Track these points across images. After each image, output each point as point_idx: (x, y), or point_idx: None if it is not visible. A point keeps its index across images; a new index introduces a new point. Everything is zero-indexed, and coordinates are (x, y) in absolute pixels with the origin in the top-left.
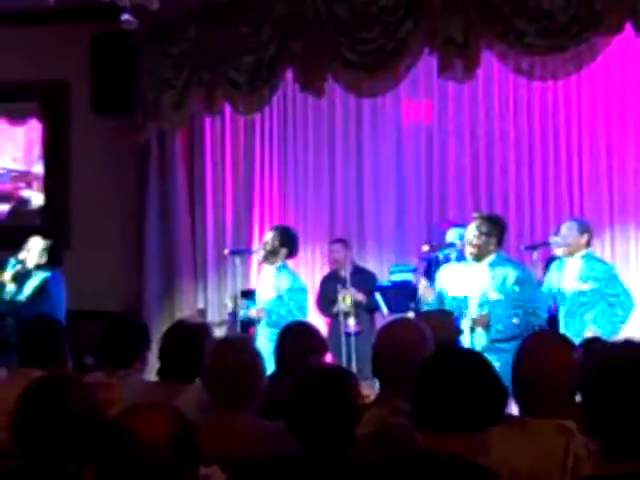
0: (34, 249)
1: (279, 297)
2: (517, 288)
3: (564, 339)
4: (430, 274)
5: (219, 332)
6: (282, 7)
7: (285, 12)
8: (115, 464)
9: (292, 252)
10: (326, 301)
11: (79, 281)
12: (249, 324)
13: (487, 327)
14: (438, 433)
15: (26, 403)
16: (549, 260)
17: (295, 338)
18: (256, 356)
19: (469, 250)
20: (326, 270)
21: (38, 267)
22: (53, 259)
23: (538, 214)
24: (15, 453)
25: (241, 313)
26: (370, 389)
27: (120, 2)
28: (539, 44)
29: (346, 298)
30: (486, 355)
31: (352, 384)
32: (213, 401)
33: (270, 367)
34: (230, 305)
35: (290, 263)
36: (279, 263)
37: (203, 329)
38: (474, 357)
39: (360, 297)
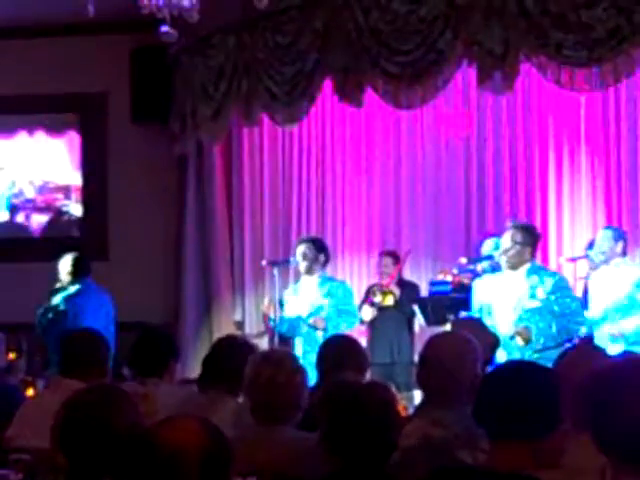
0: (62, 269)
1: (325, 306)
2: (554, 296)
3: (601, 352)
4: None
5: (258, 343)
6: (321, 18)
7: (324, 23)
8: (145, 475)
9: (327, 258)
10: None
11: (117, 292)
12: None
13: (529, 340)
14: (501, 442)
15: (70, 414)
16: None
17: (337, 353)
18: (294, 373)
19: (504, 259)
20: (364, 281)
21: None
22: (79, 271)
23: (578, 226)
24: (55, 463)
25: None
26: (406, 401)
27: (159, 14)
28: (578, 56)
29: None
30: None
31: (391, 400)
32: (252, 415)
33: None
34: (266, 310)
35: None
36: (320, 272)
37: (249, 346)
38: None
39: (396, 291)
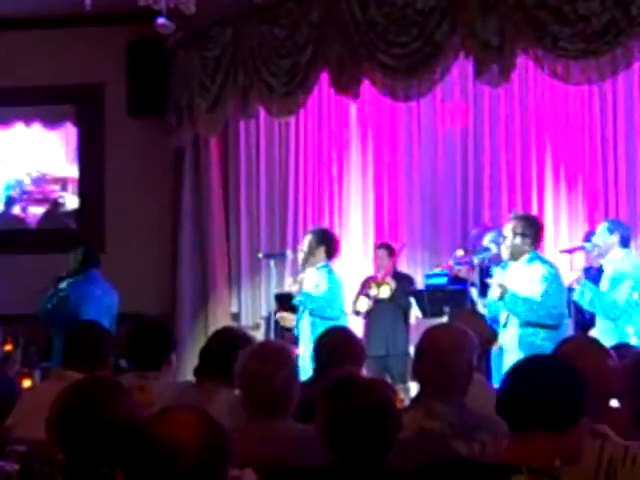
0: (72, 259)
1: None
2: (541, 283)
3: (598, 344)
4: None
5: (254, 334)
6: (318, 10)
7: (321, 15)
8: (142, 467)
9: (331, 251)
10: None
11: (114, 284)
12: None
13: (499, 297)
14: (525, 434)
15: (65, 405)
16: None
17: (333, 345)
18: (283, 366)
19: (504, 250)
20: (360, 273)
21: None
22: (86, 261)
23: (574, 218)
24: (53, 454)
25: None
26: (403, 393)
27: (155, 6)
28: (574, 48)
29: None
30: (517, 353)
31: (391, 398)
32: (244, 408)
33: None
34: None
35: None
36: (320, 263)
37: (246, 338)
38: (558, 361)
39: (393, 284)
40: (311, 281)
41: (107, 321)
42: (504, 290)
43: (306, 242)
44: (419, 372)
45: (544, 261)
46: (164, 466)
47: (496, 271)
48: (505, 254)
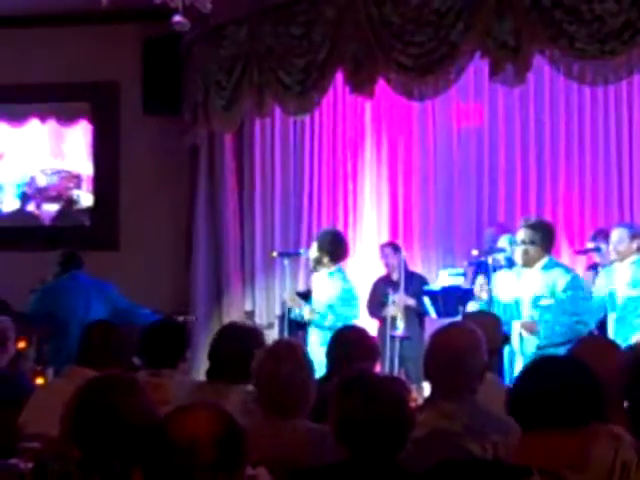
0: (55, 262)
1: (330, 305)
2: (566, 294)
3: (613, 344)
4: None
5: (268, 333)
6: (333, 9)
7: (336, 14)
8: (160, 464)
9: (336, 257)
10: (376, 303)
11: (127, 282)
12: (302, 325)
13: (535, 333)
14: (536, 432)
15: (80, 402)
16: (591, 266)
17: (347, 343)
18: (299, 367)
19: (517, 257)
20: (375, 272)
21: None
22: (67, 264)
23: (588, 219)
24: (67, 451)
25: (296, 311)
26: (417, 393)
27: (172, 3)
28: (590, 49)
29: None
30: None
31: (405, 396)
32: (261, 407)
33: (322, 369)
34: (288, 303)
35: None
36: (331, 269)
37: (255, 333)
38: (572, 361)
39: (410, 302)
40: (322, 287)
41: (84, 318)
42: (533, 326)
43: (312, 249)
44: (430, 372)
45: (566, 269)
46: (182, 463)
47: (502, 274)
48: (519, 261)
